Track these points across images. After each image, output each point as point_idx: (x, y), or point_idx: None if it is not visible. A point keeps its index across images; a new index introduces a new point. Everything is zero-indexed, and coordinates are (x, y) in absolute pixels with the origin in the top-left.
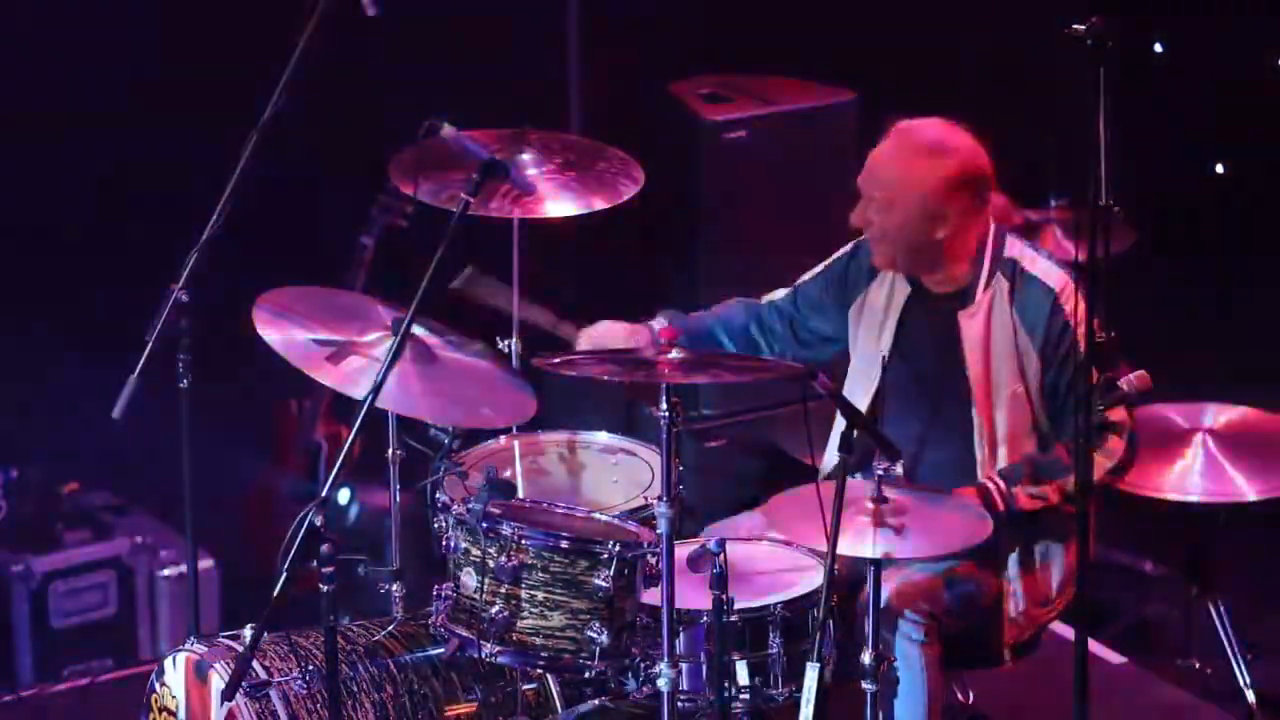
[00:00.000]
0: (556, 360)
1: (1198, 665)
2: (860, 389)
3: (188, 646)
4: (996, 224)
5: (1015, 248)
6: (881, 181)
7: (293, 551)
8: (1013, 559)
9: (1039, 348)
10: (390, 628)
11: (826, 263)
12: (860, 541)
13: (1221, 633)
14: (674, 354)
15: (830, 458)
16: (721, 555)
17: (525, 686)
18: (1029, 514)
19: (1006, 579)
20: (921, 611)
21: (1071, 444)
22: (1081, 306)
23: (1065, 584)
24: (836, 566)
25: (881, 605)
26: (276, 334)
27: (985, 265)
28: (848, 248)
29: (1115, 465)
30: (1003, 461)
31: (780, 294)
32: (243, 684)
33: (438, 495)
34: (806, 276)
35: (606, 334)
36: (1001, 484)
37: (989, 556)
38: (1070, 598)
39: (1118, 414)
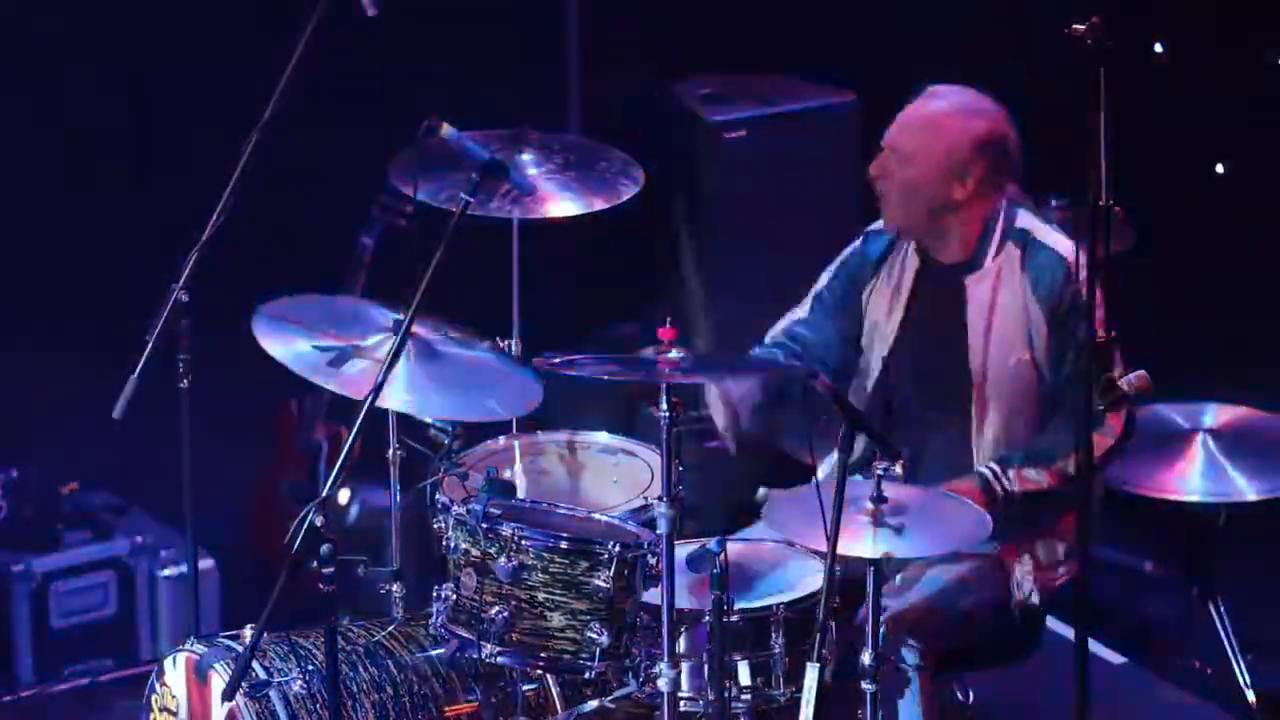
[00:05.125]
0: (557, 360)
1: (1198, 665)
2: (873, 375)
3: (188, 646)
4: (1010, 200)
5: (1027, 219)
6: (908, 132)
7: (293, 552)
8: (1020, 553)
9: (1048, 313)
10: (390, 628)
11: (839, 259)
12: (860, 541)
13: (1221, 633)
14: (674, 354)
15: (831, 458)
16: (722, 555)
17: (525, 687)
18: (1028, 501)
19: (1018, 570)
20: (920, 637)
21: (1070, 420)
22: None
23: (1071, 550)
24: (838, 574)
25: (881, 630)
26: (278, 344)
27: (996, 234)
28: (856, 241)
29: (1113, 446)
30: (996, 431)
31: (800, 311)
32: (243, 684)
33: (438, 495)
34: (822, 282)
35: None
36: (997, 468)
37: (993, 562)
38: (1075, 568)
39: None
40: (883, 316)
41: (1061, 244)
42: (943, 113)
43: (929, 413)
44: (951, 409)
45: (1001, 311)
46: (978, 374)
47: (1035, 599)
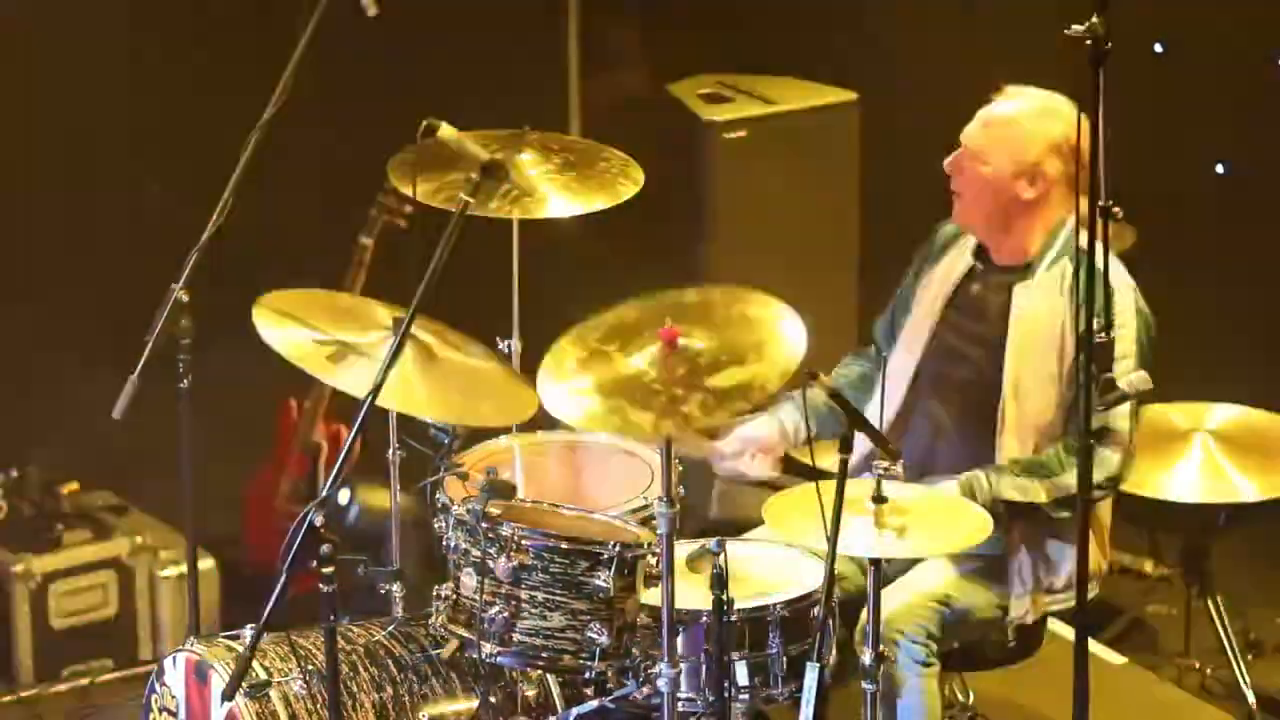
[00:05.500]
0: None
1: (1198, 665)
2: (903, 363)
3: (188, 646)
4: (1077, 216)
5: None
6: (984, 130)
7: (293, 551)
8: (1023, 549)
9: (1077, 334)
10: (390, 628)
11: (919, 252)
12: (860, 541)
13: (1221, 633)
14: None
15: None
16: (721, 555)
17: (525, 687)
18: (1013, 509)
19: (1018, 563)
20: (922, 632)
21: (1069, 446)
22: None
23: (1072, 580)
24: (839, 582)
25: (884, 621)
26: (277, 333)
27: (1055, 247)
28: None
29: (1104, 480)
30: (1017, 445)
31: (886, 311)
32: (243, 684)
33: (437, 495)
34: (906, 281)
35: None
36: (990, 472)
37: (994, 564)
38: (1071, 595)
39: (1121, 422)
40: (926, 307)
41: (1113, 269)
42: (1020, 113)
43: (947, 414)
44: (976, 411)
45: (1042, 324)
46: (1010, 382)
47: (1030, 619)
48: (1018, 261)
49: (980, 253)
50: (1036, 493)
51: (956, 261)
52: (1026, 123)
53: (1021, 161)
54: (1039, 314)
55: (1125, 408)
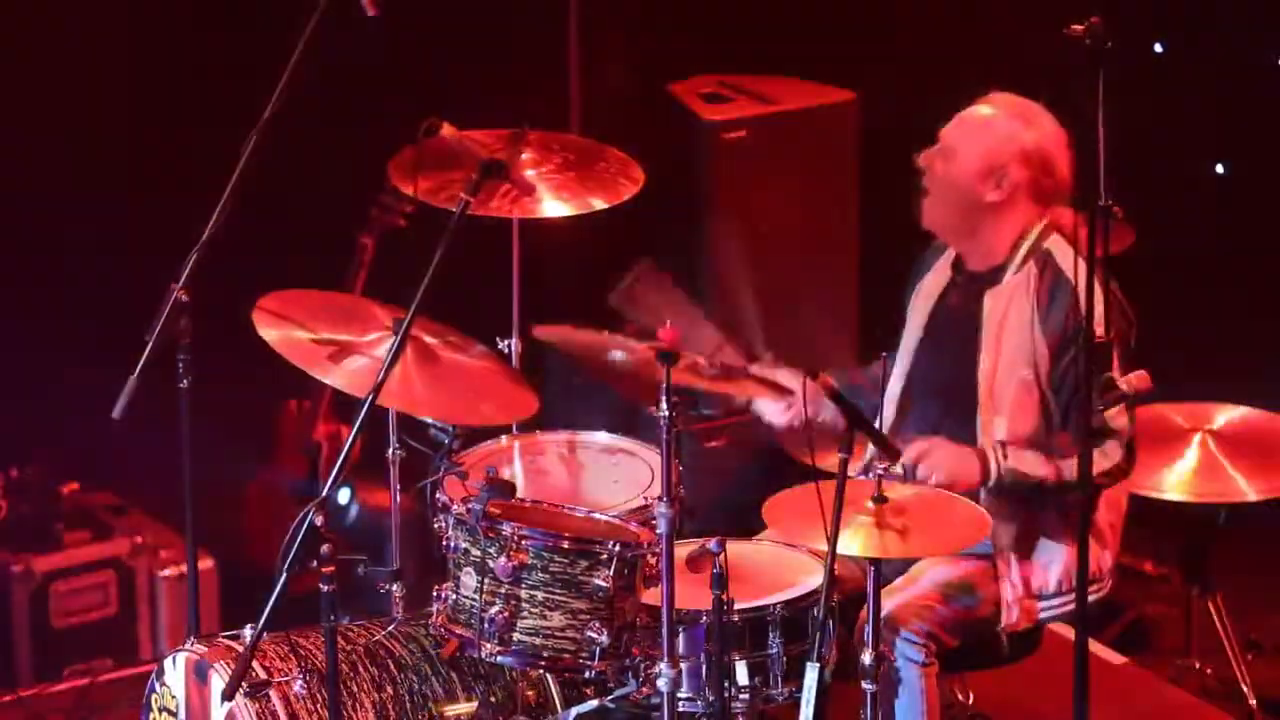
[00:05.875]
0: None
1: (1198, 665)
2: (899, 372)
3: (188, 646)
4: (1050, 222)
5: (1057, 244)
6: (959, 129)
7: (293, 551)
8: (1012, 555)
9: (1049, 339)
10: (390, 628)
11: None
12: (860, 541)
13: (1221, 633)
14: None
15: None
16: (721, 555)
17: (525, 687)
18: (1019, 487)
19: (1007, 569)
20: (921, 632)
21: (1074, 438)
22: (1087, 305)
23: (1063, 582)
24: (839, 580)
25: (883, 620)
26: (277, 334)
27: (1022, 251)
28: None
29: (1110, 468)
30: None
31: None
32: (243, 684)
33: (437, 495)
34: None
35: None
36: (998, 446)
37: (992, 564)
38: (1070, 600)
39: (1120, 420)
40: (915, 320)
41: (1081, 275)
42: (996, 116)
43: (936, 421)
44: (960, 417)
45: (1010, 329)
46: (985, 386)
47: (1021, 625)
48: (988, 267)
49: (958, 263)
50: (1046, 472)
51: (940, 274)
52: (1000, 126)
53: (989, 162)
54: (1008, 319)
55: (1121, 406)
